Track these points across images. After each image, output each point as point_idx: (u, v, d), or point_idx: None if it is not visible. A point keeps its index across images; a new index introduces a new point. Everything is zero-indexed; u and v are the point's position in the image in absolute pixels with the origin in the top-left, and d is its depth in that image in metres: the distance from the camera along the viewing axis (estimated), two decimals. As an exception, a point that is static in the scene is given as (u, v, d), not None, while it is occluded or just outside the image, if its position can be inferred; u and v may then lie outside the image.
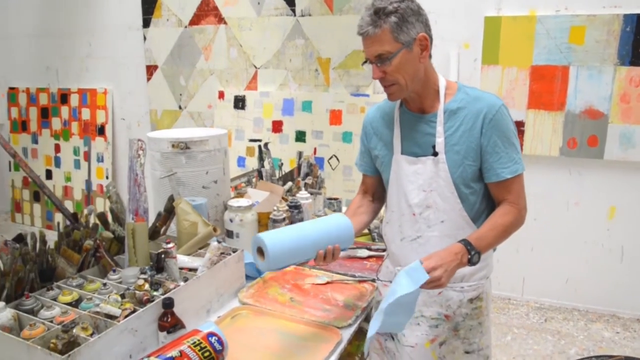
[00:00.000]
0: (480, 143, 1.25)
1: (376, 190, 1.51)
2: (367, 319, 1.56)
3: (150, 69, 4.08)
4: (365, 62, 1.27)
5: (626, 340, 2.81)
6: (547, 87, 2.90)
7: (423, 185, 1.30)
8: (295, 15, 3.45)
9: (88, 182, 4.43)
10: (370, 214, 1.51)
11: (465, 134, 1.26)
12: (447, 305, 1.32)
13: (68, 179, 4.54)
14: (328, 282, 1.67)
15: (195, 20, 3.79)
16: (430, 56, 1.29)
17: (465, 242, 1.19)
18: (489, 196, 1.32)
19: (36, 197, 4.71)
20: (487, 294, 1.36)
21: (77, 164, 4.48)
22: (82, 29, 4.28)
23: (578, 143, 2.90)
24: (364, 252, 1.89)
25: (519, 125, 2.99)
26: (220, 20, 3.71)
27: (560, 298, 3.17)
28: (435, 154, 1.28)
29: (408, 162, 1.32)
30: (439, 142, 1.27)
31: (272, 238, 1.24)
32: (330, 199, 2.39)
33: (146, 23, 3.98)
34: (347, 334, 1.34)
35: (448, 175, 1.27)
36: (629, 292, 3.01)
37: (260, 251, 1.25)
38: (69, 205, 4.52)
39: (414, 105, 1.33)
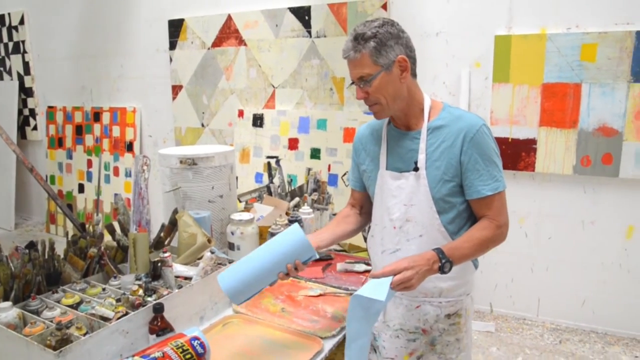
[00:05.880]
0: (460, 160, 1.29)
1: (364, 204, 1.57)
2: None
3: (176, 89, 4.29)
4: (352, 83, 1.34)
5: (645, 365, 2.71)
6: (559, 104, 2.88)
7: (404, 199, 1.35)
8: (311, 36, 3.58)
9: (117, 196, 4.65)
10: (356, 225, 1.56)
11: (446, 150, 1.30)
12: (424, 319, 1.35)
13: (99, 192, 4.78)
14: (321, 295, 1.72)
15: (218, 42, 3.98)
16: (414, 75, 1.34)
17: (439, 251, 1.23)
18: (469, 213, 1.35)
19: (70, 208, 4.97)
20: (466, 311, 1.38)
21: (107, 179, 4.72)
22: (115, 51, 4.57)
23: (592, 161, 2.85)
24: (361, 267, 1.94)
25: (531, 142, 2.97)
26: (241, 42, 3.88)
27: (577, 320, 3.09)
28: (416, 169, 1.33)
29: (392, 177, 1.38)
30: (421, 158, 1.32)
31: (226, 278, 1.33)
32: (335, 214, 2.45)
33: (172, 45, 4.20)
34: (329, 344, 1.39)
35: (427, 190, 1.31)
36: (650, 316, 2.91)
37: None
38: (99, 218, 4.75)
39: (400, 123, 1.39)
